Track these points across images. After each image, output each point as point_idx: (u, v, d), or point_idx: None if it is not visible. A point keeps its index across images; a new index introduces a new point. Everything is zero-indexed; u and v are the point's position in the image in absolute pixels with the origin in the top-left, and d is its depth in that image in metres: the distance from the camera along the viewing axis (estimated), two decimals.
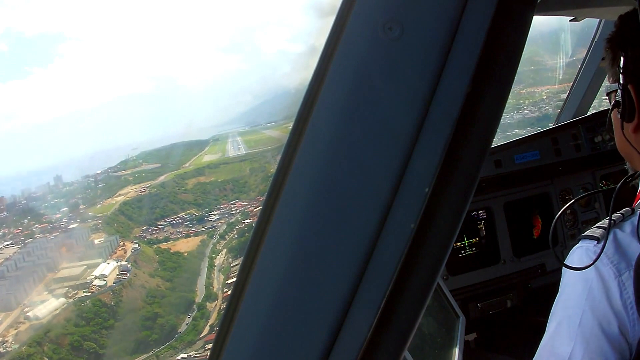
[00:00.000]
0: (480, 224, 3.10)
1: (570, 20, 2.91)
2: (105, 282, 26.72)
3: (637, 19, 1.26)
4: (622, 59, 1.25)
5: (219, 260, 31.12)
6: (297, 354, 0.68)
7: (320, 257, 0.66)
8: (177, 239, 32.27)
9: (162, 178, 36.87)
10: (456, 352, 2.08)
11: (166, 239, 32.25)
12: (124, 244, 30.38)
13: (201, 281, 29.28)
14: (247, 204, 32.99)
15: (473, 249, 3.08)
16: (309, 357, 0.67)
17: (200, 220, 33.23)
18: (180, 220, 33.12)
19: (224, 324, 0.71)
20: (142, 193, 34.94)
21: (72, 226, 31.51)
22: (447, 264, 2.99)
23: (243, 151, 39.61)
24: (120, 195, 35.04)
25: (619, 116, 1.31)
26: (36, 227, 30.79)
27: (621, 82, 1.26)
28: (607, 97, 1.42)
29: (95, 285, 26.45)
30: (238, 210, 33.22)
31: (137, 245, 30.20)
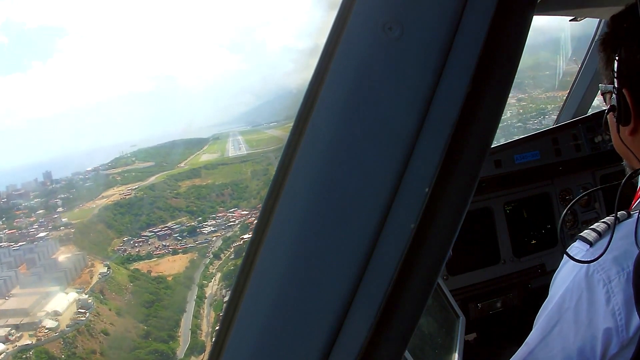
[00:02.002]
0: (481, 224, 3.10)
1: (570, 20, 2.91)
2: (57, 323, 20.32)
3: (629, 19, 1.25)
4: (615, 62, 1.24)
5: (211, 289, 24.34)
6: (297, 354, 0.68)
7: (320, 257, 0.66)
8: (162, 255, 25.87)
9: (152, 179, 31.40)
10: (456, 352, 2.08)
11: (149, 255, 25.87)
12: (92, 265, 24.12)
13: (186, 322, 22.20)
14: (247, 214, 27.66)
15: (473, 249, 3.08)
16: (309, 357, 0.67)
17: (192, 232, 27.56)
18: (168, 231, 27.41)
19: (224, 324, 0.71)
20: (127, 196, 29.48)
21: (41, 234, 26.44)
22: (447, 263, 2.99)
23: (244, 151, 35.31)
24: (103, 197, 29.63)
25: (614, 120, 1.30)
26: (4, 232, 26.65)
27: (616, 85, 1.25)
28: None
29: (44, 327, 20.04)
30: (237, 222, 27.73)
31: (106, 270, 23.91)
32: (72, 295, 21.90)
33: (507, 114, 20.58)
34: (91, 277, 23.38)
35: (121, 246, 26.81)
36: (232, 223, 28.07)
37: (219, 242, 26.84)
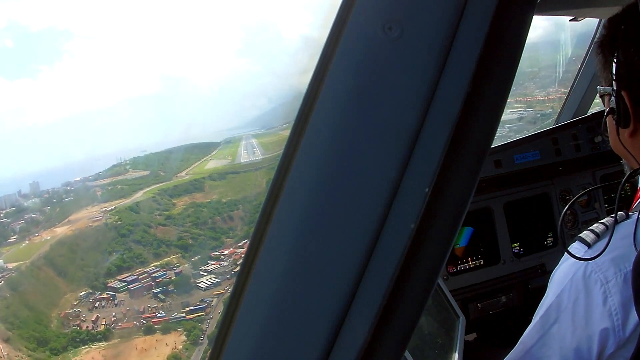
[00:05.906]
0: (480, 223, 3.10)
1: (570, 20, 2.91)
2: None
3: (626, 21, 1.25)
4: (614, 64, 1.23)
5: None
6: (297, 354, 0.68)
7: (320, 257, 0.66)
8: (128, 335, 15.82)
9: (138, 195, 21.57)
10: (456, 352, 2.08)
11: (106, 334, 15.71)
12: None
13: None
14: None
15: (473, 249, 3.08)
16: (308, 357, 0.67)
17: (182, 285, 17.51)
18: (147, 281, 17.50)
19: (224, 324, 0.71)
20: (95, 222, 19.49)
21: None
22: (447, 263, 2.99)
23: (259, 156, 26.82)
24: (68, 222, 19.78)
25: (614, 122, 1.30)
26: None
27: (614, 88, 1.24)
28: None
29: None
30: None
31: None
32: None
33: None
34: None
35: (75, 307, 16.55)
36: None
37: (222, 310, 15.36)
